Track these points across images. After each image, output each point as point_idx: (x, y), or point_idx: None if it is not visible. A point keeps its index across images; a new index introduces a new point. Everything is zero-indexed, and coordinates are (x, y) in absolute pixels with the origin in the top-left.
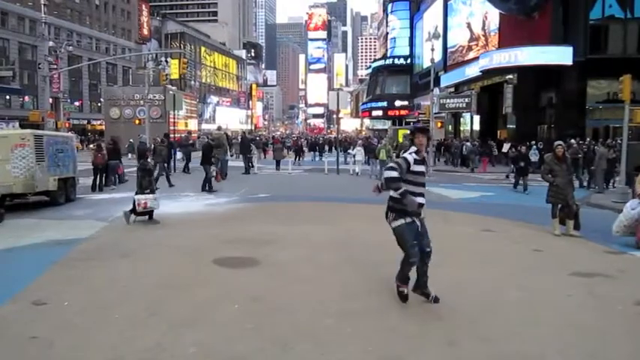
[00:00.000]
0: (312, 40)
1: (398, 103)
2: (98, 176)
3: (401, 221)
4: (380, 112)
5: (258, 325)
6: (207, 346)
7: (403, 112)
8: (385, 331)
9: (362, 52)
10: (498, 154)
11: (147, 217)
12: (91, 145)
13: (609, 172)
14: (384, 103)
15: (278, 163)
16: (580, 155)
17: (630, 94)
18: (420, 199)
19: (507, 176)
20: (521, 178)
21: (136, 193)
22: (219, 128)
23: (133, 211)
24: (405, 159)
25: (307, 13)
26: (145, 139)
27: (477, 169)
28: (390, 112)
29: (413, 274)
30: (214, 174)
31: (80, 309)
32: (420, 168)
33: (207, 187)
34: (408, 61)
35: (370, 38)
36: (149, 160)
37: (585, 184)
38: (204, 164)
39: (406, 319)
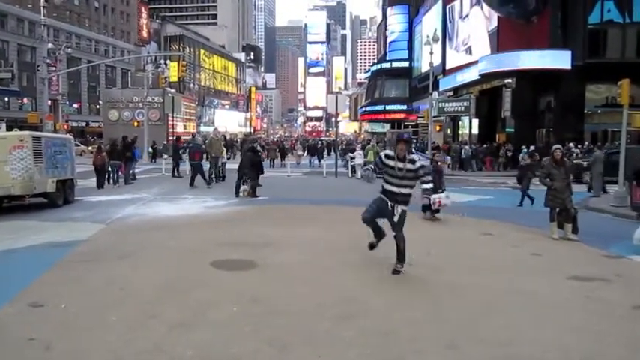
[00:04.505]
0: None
1: (397, 106)
2: (100, 175)
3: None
4: (379, 116)
5: (256, 327)
6: (205, 347)
7: (402, 116)
8: (384, 333)
9: (361, 56)
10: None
11: (430, 214)
12: (90, 147)
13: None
14: (383, 107)
15: (272, 162)
16: None
17: (629, 98)
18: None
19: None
20: None
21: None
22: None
23: (428, 208)
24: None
25: None
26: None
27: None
28: (389, 116)
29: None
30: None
31: (78, 311)
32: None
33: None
34: (407, 64)
35: (369, 42)
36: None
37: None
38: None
39: (405, 321)
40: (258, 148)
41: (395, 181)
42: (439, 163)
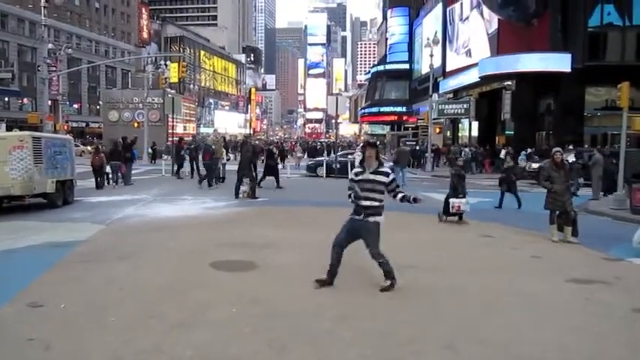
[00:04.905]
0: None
1: (396, 108)
2: (98, 176)
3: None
4: (378, 118)
5: (255, 328)
6: (205, 348)
7: (402, 118)
8: (383, 334)
9: (361, 58)
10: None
11: (457, 218)
12: (89, 147)
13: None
14: (383, 109)
15: None
16: None
17: (628, 101)
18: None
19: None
20: None
21: (450, 196)
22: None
23: (446, 212)
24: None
25: None
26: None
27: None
28: (389, 118)
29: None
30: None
31: (77, 311)
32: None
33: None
34: (407, 66)
35: (369, 43)
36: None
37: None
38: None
39: (404, 322)
40: (275, 150)
41: (367, 194)
42: (462, 168)
